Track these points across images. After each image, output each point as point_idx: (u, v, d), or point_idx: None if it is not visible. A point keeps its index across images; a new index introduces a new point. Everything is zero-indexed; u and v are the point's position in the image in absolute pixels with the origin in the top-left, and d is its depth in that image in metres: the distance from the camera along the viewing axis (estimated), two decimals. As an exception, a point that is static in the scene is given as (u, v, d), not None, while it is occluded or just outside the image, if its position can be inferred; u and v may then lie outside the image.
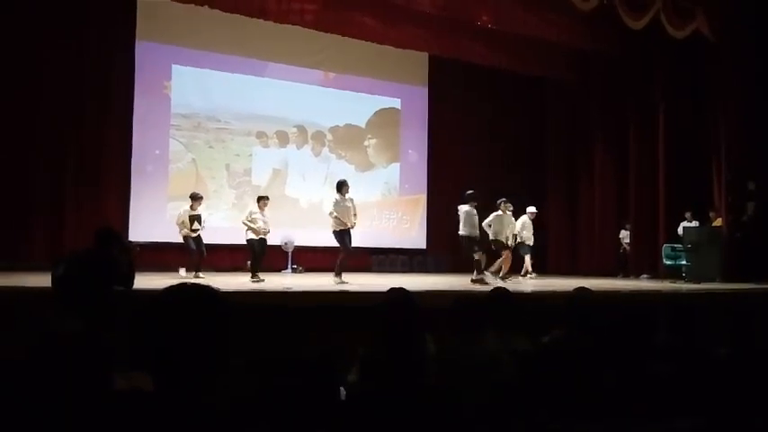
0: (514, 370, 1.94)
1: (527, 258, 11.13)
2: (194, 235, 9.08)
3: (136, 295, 4.38)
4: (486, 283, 8.59)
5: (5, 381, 1.44)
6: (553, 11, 10.67)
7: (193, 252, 9.03)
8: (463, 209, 9.23)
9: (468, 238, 9.14)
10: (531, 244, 11.18)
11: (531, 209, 11.27)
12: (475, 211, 9.22)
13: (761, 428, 2.28)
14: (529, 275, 11.03)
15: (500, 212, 10.12)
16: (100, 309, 1.90)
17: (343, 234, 8.61)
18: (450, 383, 1.92)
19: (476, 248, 9.16)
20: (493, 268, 9.92)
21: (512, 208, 10.63)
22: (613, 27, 10.80)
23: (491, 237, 9.97)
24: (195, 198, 9.26)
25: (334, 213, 8.60)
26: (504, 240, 10.06)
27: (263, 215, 9.09)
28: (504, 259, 10.04)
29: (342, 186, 8.68)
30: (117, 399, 1.46)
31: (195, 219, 9.10)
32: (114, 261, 2.12)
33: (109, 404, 1.42)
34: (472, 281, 8.93)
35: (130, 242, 9.75)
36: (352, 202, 8.73)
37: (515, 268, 11.09)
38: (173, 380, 1.41)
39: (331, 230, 8.67)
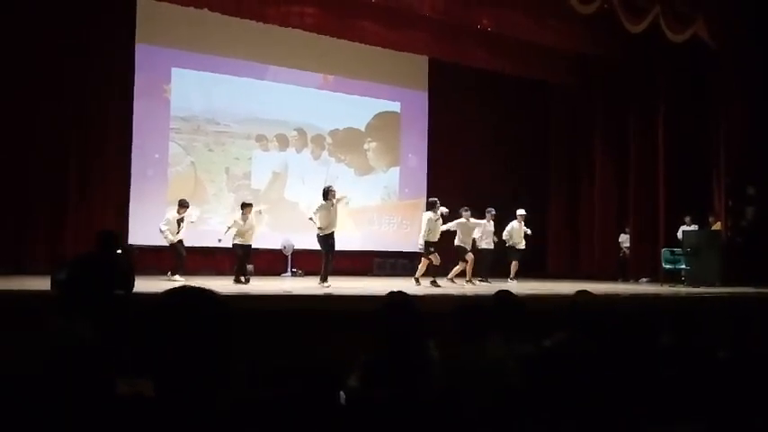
0: (519, 374, 1.94)
1: (514, 263, 11.14)
2: (179, 238, 9.31)
3: (136, 299, 4.37)
4: (420, 285, 9.20)
5: (8, 385, 1.43)
6: (553, 14, 10.69)
7: (182, 256, 9.25)
8: (426, 215, 9.60)
9: (427, 242, 9.53)
10: (521, 248, 11.18)
11: (520, 211, 11.29)
12: (436, 217, 9.56)
13: (761, 431, 2.28)
14: (509, 280, 10.91)
15: (463, 220, 10.26)
16: (102, 312, 1.89)
17: (327, 238, 8.74)
18: (453, 389, 1.92)
19: (431, 250, 9.49)
20: (451, 275, 10.00)
21: (493, 212, 10.85)
22: (614, 31, 10.82)
23: (455, 243, 10.20)
24: (182, 205, 9.47)
25: (315, 216, 8.75)
26: (465, 247, 10.24)
27: (246, 221, 9.21)
28: (467, 265, 10.20)
29: (327, 193, 8.80)
30: (119, 404, 1.46)
31: (179, 222, 9.37)
32: (115, 264, 2.12)
33: (110, 409, 1.42)
34: (416, 279, 9.44)
35: (130, 245, 9.77)
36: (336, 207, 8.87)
37: (505, 272, 11.09)
38: (174, 385, 1.41)
39: (316, 235, 8.81)
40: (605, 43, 11.48)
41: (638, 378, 2.27)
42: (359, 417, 2.37)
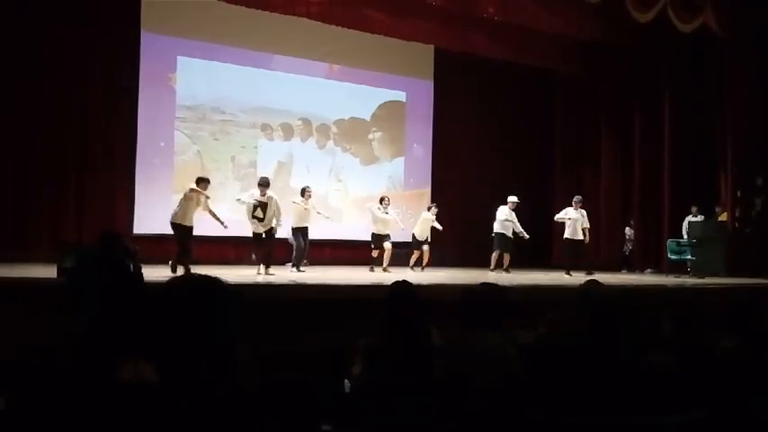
0: (519, 362, 1.95)
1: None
2: (262, 228, 8.88)
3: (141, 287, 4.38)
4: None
5: (13, 371, 1.45)
6: (560, 2, 10.63)
7: (262, 246, 8.97)
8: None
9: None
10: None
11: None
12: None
13: (763, 421, 2.28)
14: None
15: (571, 208, 10.77)
16: (107, 307, 1.90)
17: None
18: (454, 376, 1.93)
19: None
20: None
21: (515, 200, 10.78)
22: (621, 20, 10.74)
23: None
24: (261, 184, 9.02)
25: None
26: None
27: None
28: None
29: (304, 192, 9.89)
30: (121, 390, 1.47)
31: (259, 206, 8.88)
32: (123, 265, 2.11)
33: (113, 396, 1.43)
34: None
35: (134, 246, 9.72)
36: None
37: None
38: (177, 371, 1.42)
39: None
40: (612, 32, 11.39)
41: (638, 368, 2.28)
42: (362, 404, 2.38)
